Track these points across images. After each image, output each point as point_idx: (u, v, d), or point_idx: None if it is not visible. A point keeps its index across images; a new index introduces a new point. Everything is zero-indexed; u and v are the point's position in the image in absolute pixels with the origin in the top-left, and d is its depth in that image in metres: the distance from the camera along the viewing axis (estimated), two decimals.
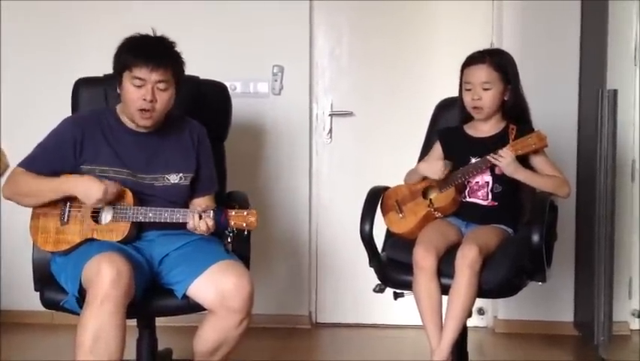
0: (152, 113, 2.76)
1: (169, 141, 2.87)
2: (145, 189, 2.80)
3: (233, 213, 2.66)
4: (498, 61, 2.99)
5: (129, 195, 2.75)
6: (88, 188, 2.69)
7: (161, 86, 2.75)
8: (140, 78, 2.72)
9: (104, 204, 2.72)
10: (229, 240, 2.69)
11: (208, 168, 2.96)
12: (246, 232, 2.68)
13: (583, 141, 3.86)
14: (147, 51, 2.75)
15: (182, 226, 2.74)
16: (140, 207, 2.73)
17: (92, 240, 2.73)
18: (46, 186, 2.76)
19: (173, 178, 2.84)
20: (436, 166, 3.03)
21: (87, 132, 2.82)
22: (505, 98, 3.02)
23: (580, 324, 3.90)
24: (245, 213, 2.66)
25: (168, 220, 2.71)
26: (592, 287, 3.58)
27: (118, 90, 2.82)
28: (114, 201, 2.73)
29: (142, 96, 2.73)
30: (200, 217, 2.68)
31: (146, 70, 2.72)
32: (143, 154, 2.83)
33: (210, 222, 2.67)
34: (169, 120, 2.87)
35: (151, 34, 2.83)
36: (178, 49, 2.84)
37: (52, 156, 2.81)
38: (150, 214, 2.71)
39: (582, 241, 3.85)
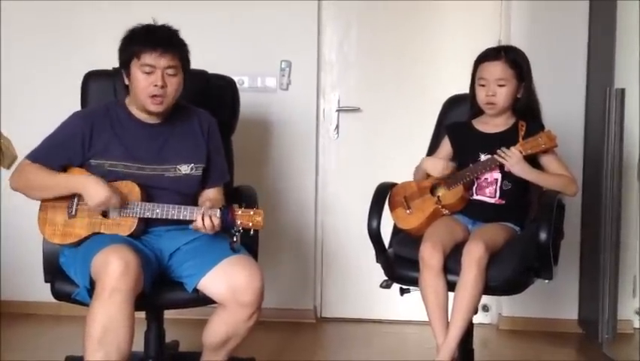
0: (164, 99, 2.76)
1: (179, 131, 2.88)
2: (155, 182, 2.80)
3: (240, 212, 2.64)
4: (514, 58, 2.99)
5: (136, 190, 2.75)
6: (94, 194, 2.68)
7: (171, 71, 2.75)
8: (149, 65, 2.73)
9: (105, 208, 2.71)
10: (235, 239, 2.67)
11: (219, 158, 2.96)
12: (252, 232, 2.67)
13: (590, 139, 3.86)
14: (154, 37, 2.76)
15: (189, 221, 2.74)
16: (147, 203, 2.72)
17: (99, 234, 2.73)
18: (54, 182, 2.76)
19: (184, 169, 2.84)
20: (439, 164, 3.04)
21: (96, 126, 2.82)
22: (518, 96, 3.02)
23: (584, 322, 3.91)
24: (251, 212, 2.64)
25: (175, 217, 2.70)
26: (596, 285, 3.60)
27: (126, 82, 2.82)
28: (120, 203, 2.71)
29: (152, 82, 2.73)
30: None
31: (155, 55, 2.72)
32: (154, 145, 2.83)
33: (216, 221, 2.65)
34: (177, 110, 2.87)
35: (153, 23, 2.82)
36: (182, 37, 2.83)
37: (61, 150, 2.81)
38: (157, 210, 2.71)
39: (587, 239, 3.86)
